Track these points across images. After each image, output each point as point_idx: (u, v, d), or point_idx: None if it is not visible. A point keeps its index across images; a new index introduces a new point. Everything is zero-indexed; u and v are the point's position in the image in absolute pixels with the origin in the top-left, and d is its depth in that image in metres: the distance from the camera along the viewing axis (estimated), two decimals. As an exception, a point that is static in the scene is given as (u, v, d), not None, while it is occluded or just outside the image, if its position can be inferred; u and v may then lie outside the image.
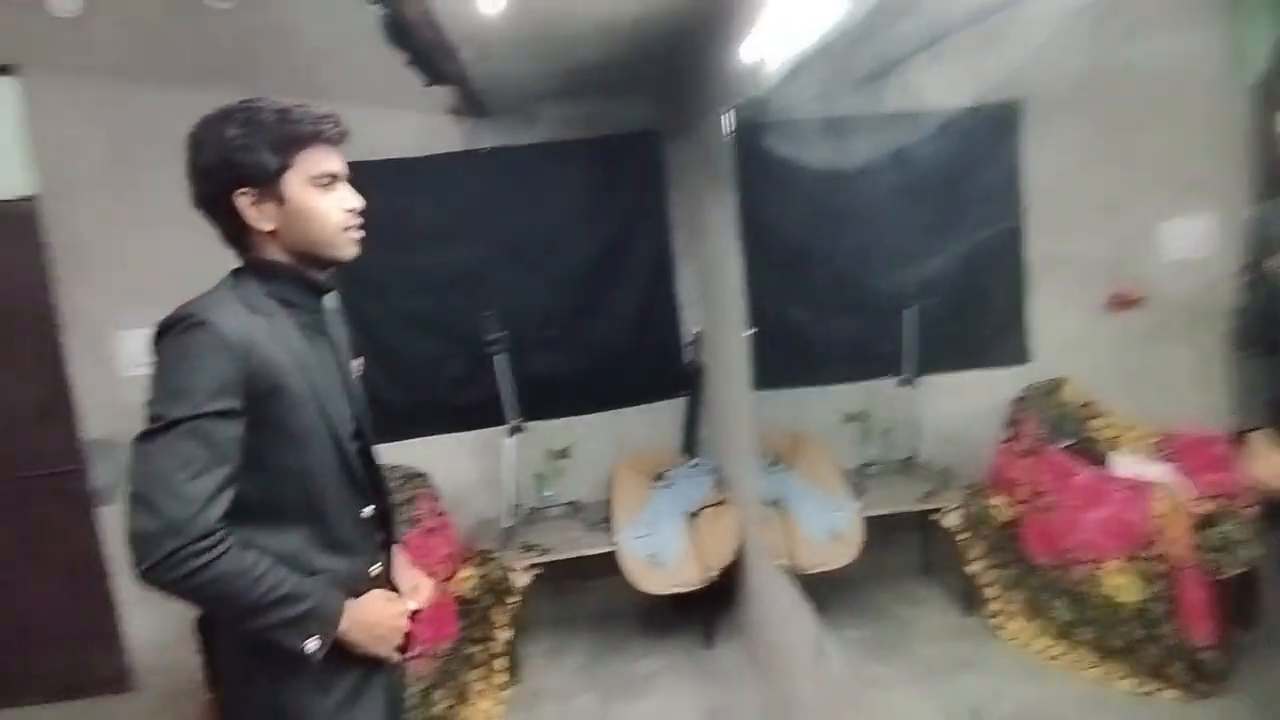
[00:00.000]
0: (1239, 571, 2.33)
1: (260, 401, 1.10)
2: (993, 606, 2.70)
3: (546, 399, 3.13)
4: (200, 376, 1.05)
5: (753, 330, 2.43)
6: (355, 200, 1.23)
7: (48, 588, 3.01)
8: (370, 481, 1.31)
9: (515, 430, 2.97)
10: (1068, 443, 2.79)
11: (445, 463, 3.16)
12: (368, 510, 1.28)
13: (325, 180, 1.20)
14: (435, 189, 3.12)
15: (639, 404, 3.25)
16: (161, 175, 2.71)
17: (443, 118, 3.12)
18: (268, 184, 1.15)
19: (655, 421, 3.29)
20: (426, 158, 3.11)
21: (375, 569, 1.30)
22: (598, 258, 3.19)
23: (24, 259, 2.90)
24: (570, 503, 3.20)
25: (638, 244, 3.23)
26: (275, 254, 1.20)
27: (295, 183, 1.17)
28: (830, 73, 1.88)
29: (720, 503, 2.89)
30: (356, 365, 1.38)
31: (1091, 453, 2.77)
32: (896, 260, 3.05)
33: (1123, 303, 3.13)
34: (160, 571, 1.01)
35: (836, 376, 3.20)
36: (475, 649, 2.67)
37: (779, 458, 2.98)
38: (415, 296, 3.14)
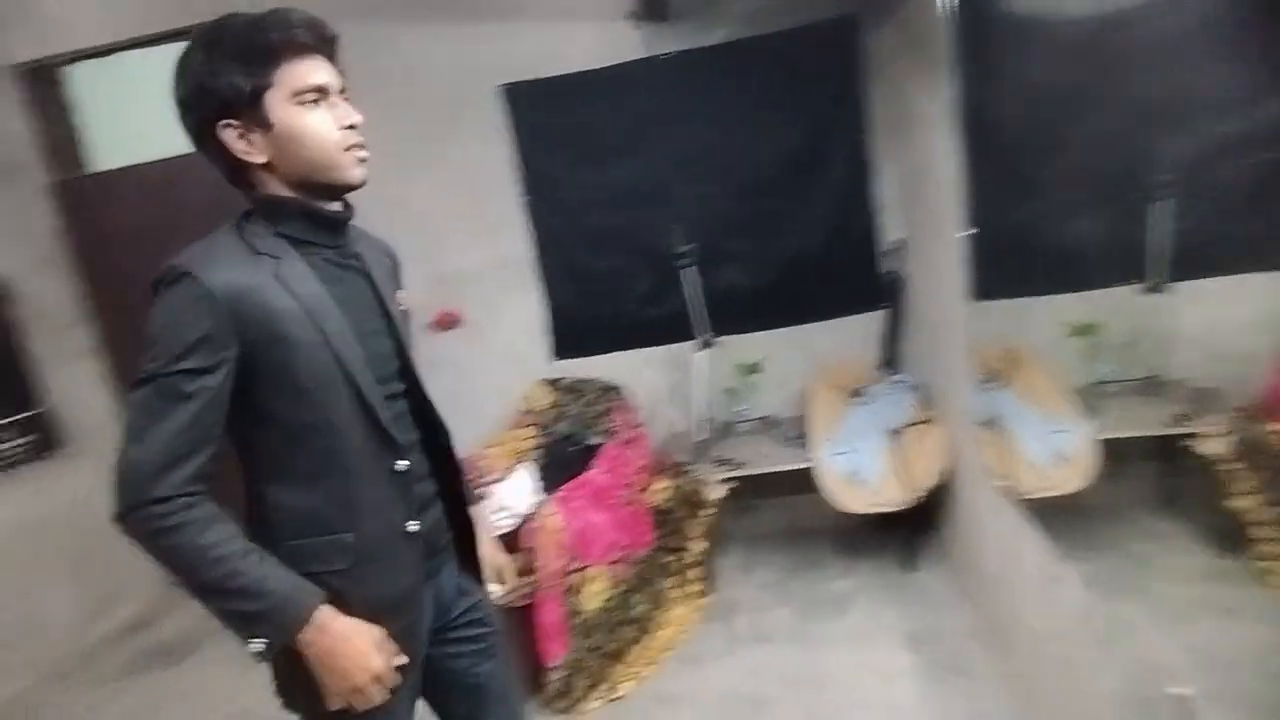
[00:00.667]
0: None
1: (259, 352, 1.03)
2: (1259, 549, 2.32)
3: (736, 313, 3.04)
4: (178, 331, 0.99)
5: (970, 232, 2.17)
6: (353, 115, 1.10)
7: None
8: (421, 425, 1.22)
9: (705, 344, 2.93)
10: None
11: (636, 377, 3.20)
12: (402, 464, 1.16)
13: (312, 96, 1.06)
14: (617, 100, 3.05)
15: (833, 317, 3.08)
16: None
17: (622, 25, 3.01)
18: (248, 109, 1.04)
19: (850, 335, 3.10)
20: (606, 69, 3.04)
21: (413, 525, 1.17)
22: (788, 163, 2.99)
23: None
24: (762, 418, 3.14)
25: (832, 146, 2.98)
26: (278, 188, 1.10)
27: (278, 103, 1.04)
28: None
29: (925, 421, 2.69)
30: (401, 298, 1.26)
31: None
32: (1152, 143, 2.58)
33: None
34: (126, 525, 0.99)
35: (1066, 284, 2.82)
36: (670, 558, 2.73)
37: (994, 375, 2.71)
38: (601, 212, 3.12)
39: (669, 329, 3.06)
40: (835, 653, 2.38)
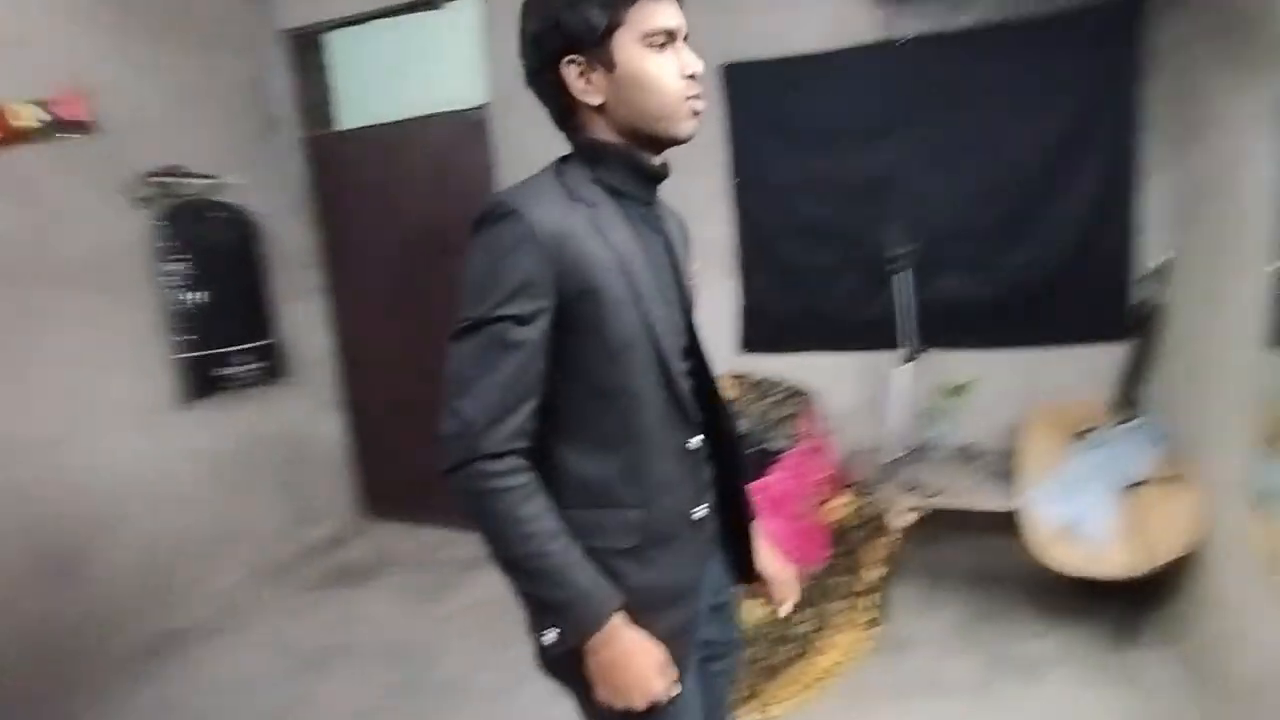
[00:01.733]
0: None
1: (573, 304, 0.98)
2: None
3: (950, 326, 2.76)
4: (505, 274, 0.95)
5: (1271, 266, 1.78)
6: (696, 63, 1.04)
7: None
8: (703, 407, 1.14)
9: (910, 357, 2.68)
10: None
11: (828, 382, 3.01)
12: (695, 441, 1.11)
13: (661, 39, 1.01)
14: (846, 86, 2.84)
15: (1066, 344, 2.72)
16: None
17: (857, 4, 2.79)
18: (596, 46, 1.00)
19: (1082, 367, 2.72)
20: (838, 51, 2.84)
21: (700, 511, 1.12)
22: (1036, 166, 2.65)
23: (476, 159, 3.34)
24: (963, 446, 2.85)
25: (1092, 149, 2.60)
26: (604, 134, 1.05)
27: (626, 43, 1.00)
28: None
29: (1172, 479, 2.30)
30: (694, 271, 1.21)
31: None
32: None
33: None
34: (454, 480, 0.97)
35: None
36: (843, 579, 2.55)
37: (1274, 440, 2.25)
38: (816, 203, 2.94)
39: (872, 335, 2.84)
40: (1021, 722, 2.11)
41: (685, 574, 1.11)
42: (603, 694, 1.00)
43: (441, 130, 3.43)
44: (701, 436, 1.13)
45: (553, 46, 1.02)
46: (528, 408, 0.97)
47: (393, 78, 3.58)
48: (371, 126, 3.59)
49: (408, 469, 3.65)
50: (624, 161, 1.06)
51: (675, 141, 1.06)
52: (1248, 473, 1.93)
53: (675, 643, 1.06)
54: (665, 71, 1.02)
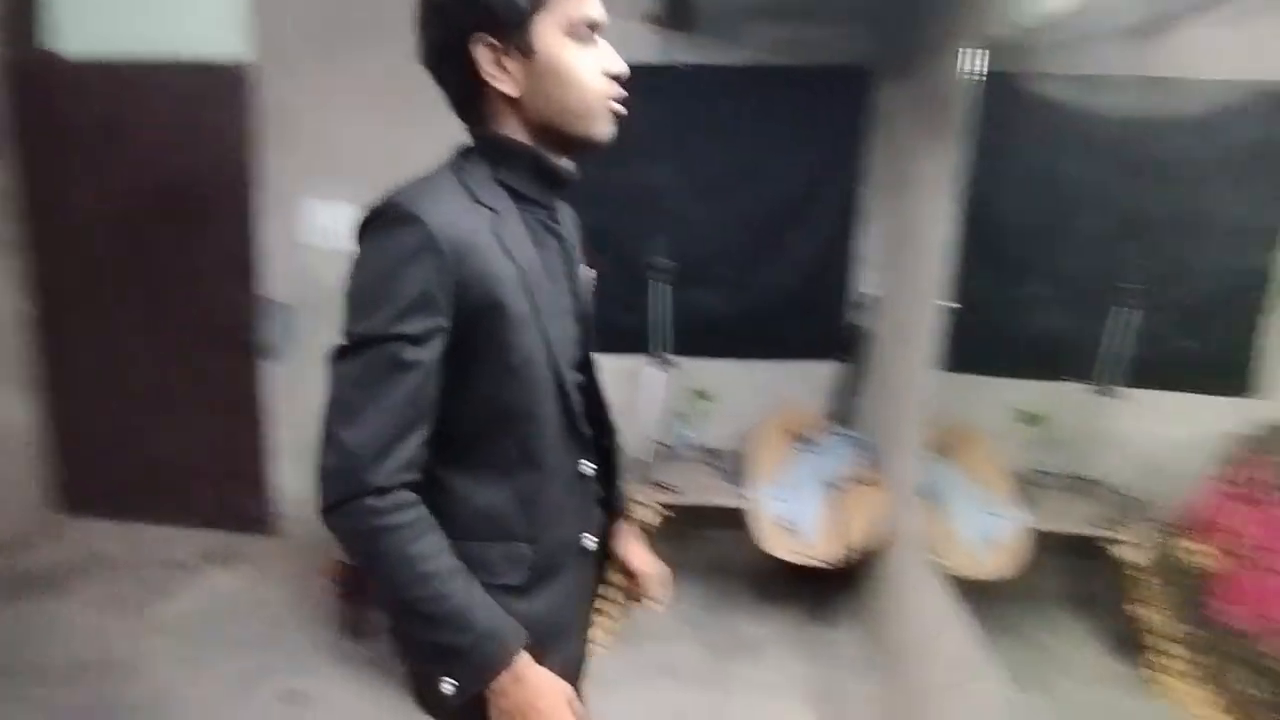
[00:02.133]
0: None
1: (472, 320, 0.88)
2: (1156, 660, 2.39)
3: (700, 336, 3.00)
4: (399, 287, 0.84)
5: (953, 305, 2.17)
6: (620, 63, 0.97)
7: (210, 427, 3.26)
8: (594, 427, 1.07)
9: (663, 363, 2.87)
10: (1303, 497, 2.38)
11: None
12: (587, 464, 1.04)
13: (586, 31, 0.93)
14: (625, 102, 2.98)
15: (792, 359, 3.07)
16: (373, 53, 2.73)
17: (641, 25, 2.95)
18: (515, 29, 0.90)
19: (808, 380, 3.10)
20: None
21: (590, 542, 1.07)
22: (782, 198, 2.97)
23: (230, 121, 3.02)
24: (708, 449, 3.10)
25: (826, 190, 2.97)
26: (513, 129, 0.95)
27: (549, 29, 0.91)
28: (1098, 19, 1.54)
29: (868, 481, 2.69)
30: (588, 277, 1.12)
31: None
32: (1129, 251, 2.65)
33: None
34: (335, 519, 0.86)
35: (1028, 371, 2.87)
36: (590, 573, 2.65)
37: (942, 448, 2.73)
38: (586, 209, 3.03)
39: (630, 339, 2.99)
40: (739, 699, 2.35)
41: (574, 606, 1.06)
42: None
43: (191, 80, 3.05)
44: (594, 465, 1.07)
45: (464, 22, 0.90)
46: (418, 437, 0.87)
47: (132, 5, 3.11)
48: (103, 61, 3.09)
49: (120, 458, 3.20)
50: (532, 163, 0.97)
51: (590, 145, 0.98)
52: (918, 474, 2.33)
53: (570, 676, 1.02)
54: (588, 67, 0.94)
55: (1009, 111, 2.51)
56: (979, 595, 2.46)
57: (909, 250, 2.52)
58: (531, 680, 0.90)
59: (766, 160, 2.95)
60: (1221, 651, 2.29)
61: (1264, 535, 2.23)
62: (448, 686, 0.88)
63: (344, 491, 0.85)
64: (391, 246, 0.86)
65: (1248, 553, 2.26)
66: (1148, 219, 2.62)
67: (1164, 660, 2.40)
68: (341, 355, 0.88)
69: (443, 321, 0.87)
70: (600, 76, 0.95)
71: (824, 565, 2.51)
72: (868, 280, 3.00)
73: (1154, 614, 2.41)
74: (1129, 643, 2.47)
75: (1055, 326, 2.75)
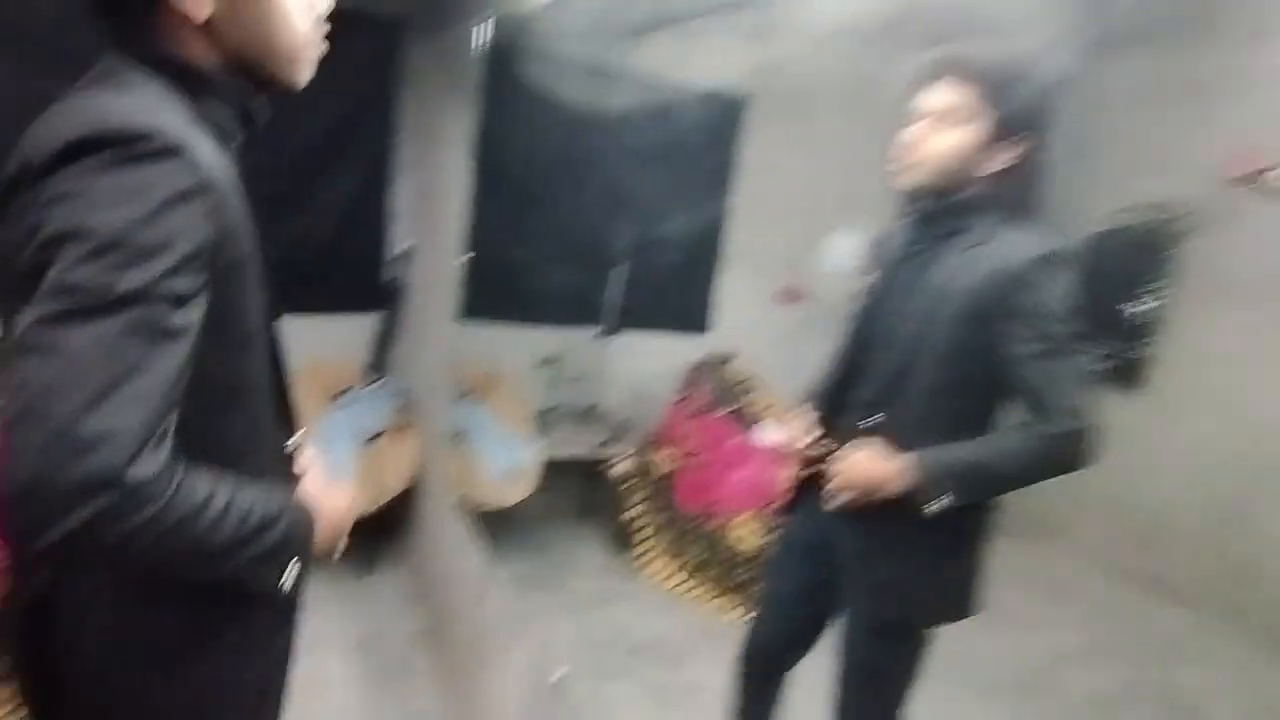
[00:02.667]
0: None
1: (219, 279, 0.73)
2: (640, 548, 3.00)
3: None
4: (162, 236, 0.65)
5: (467, 256, 2.32)
6: (326, 2, 0.88)
7: None
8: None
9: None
10: (728, 409, 3.18)
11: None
12: (290, 442, 0.98)
13: None
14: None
15: (330, 312, 2.93)
16: None
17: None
18: None
19: (347, 334, 3.00)
20: None
21: None
22: (308, 148, 2.77)
23: None
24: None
25: (357, 140, 2.87)
26: (200, 58, 0.79)
27: None
28: (598, 14, 1.83)
29: (401, 428, 2.76)
30: None
31: (744, 421, 3.19)
32: (618, 217, 3.17)
33: (790, 296, 3.65)
34: (82, 532, 0.61)
35: (540, 318, 3.24)
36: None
37: (470, 391, 2.93)
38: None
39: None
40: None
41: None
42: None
43: None
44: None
45: None
46: (172, 421, 0.67)
47: None
48: None
49: None
50: (235, 99, 0.83)
51: (287, 89, 0.87)
52: (448, 418, 2.48)
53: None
54: (300, 3, 0.83)
55: (517, 83, 2.77)
56: (505, 521, 2.76)
57: (435, 204, 2.61)
58: (320, 502, 0.88)
59: (291, 109, 2.71)
60: (681, 533, 2.96)
61: (702, 441, 2.94)
62: (291, 576, 0.80)
63: (106, 500, 0.61)
64: (147, 184, 0.66)
65: (687, 452, 2.96)
66: (631, 192, 3.18)
67: (646, 548, 3.02)
68: (70, 318, 0.62)
69: (205, 280, 0.71)
70: (310, 15, 0.86)
71: (359, 516, 2.51)
72: (405, 232, 3.01)
73: (638, 511, 3.01)
74: (625, 540, 3.05)
75: (567, 280, 3.17)
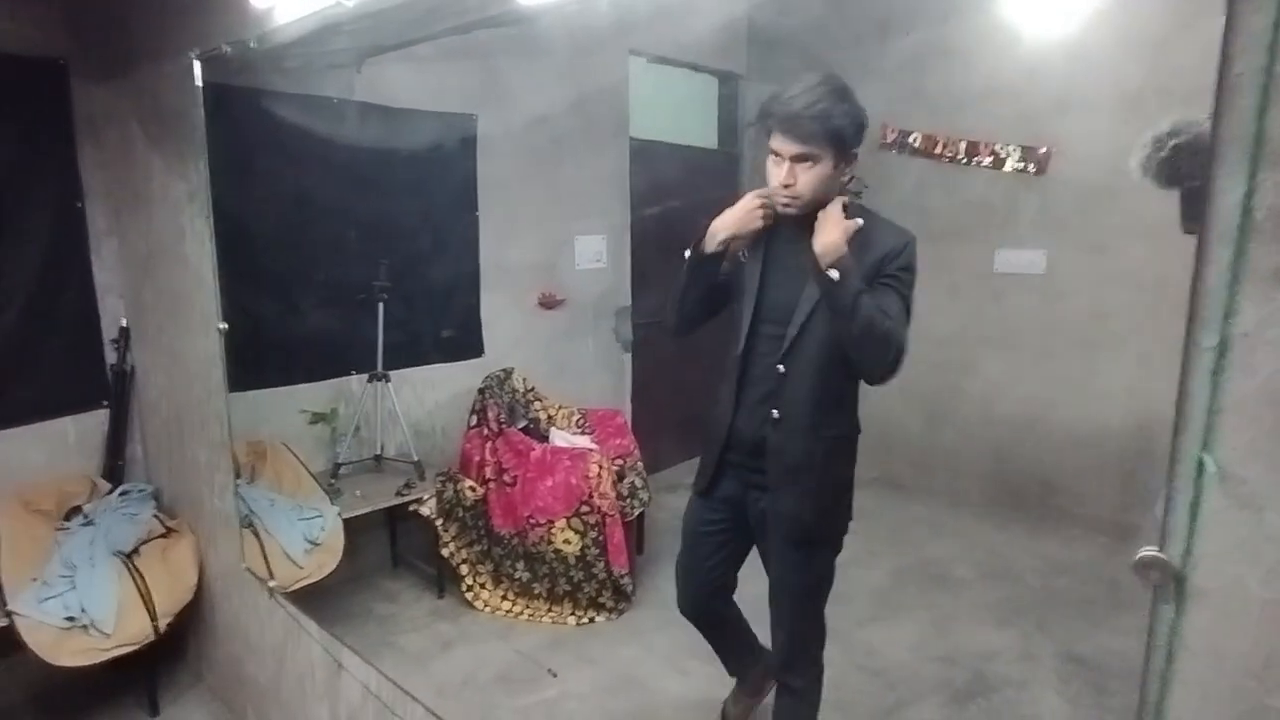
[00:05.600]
0: (639, 512, 3.08)
1: None
2: (465, 583, 2.93)
3: None
4: None
5: (223, 325, 2.08)
6: None
7: None
8: None
9: None
10: (523, 424, 3.21)
11: None
12: None
13: None
14: None
15: (38, 420, 2.43)
16: None
17: None
18: None
19: (58, 442, 2.50)
20: None
21: None
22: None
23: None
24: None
25: (29, 209, 2.38)
26: None
27: None
28: (315, 43, 1.73)
29: (167, 533, 2.39)
30: None
31: (538, 431, 3.24)
32: (369, 254, 3.01)
33: (549, 303, 3.76)
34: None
35: (305, 376, 2.98)
36: None
37: (243, 470, 2.62)
38: None
39: None
40: None
41: None
42: None
43: None
44: None
45: None
46: None
47: None
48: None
49: None
50: None
51: None
52: (233, 501, 2.21)
53: None
54: None
55: (246, 125, 2.50)
56: (317, 597, 2.53)
57: (165, 271, 2.28)
58: None
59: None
60: (502, 557, 2.95)
61: (505, 459, 2.95)
62: None
63: None
64: None
65: (492, 475, 2.96)
66: (385, 227, 3.05)
67: (470, 582, 2.96)
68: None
69: None
70: None
71: (136, 647, 2.14)
72: (119, 309, 2.57)
73: (452, 546, 2.93)
74: (447, 580, 2.96)
75: (328, 328, 2.95)
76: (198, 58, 1.81)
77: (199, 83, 1.85)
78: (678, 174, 4.01)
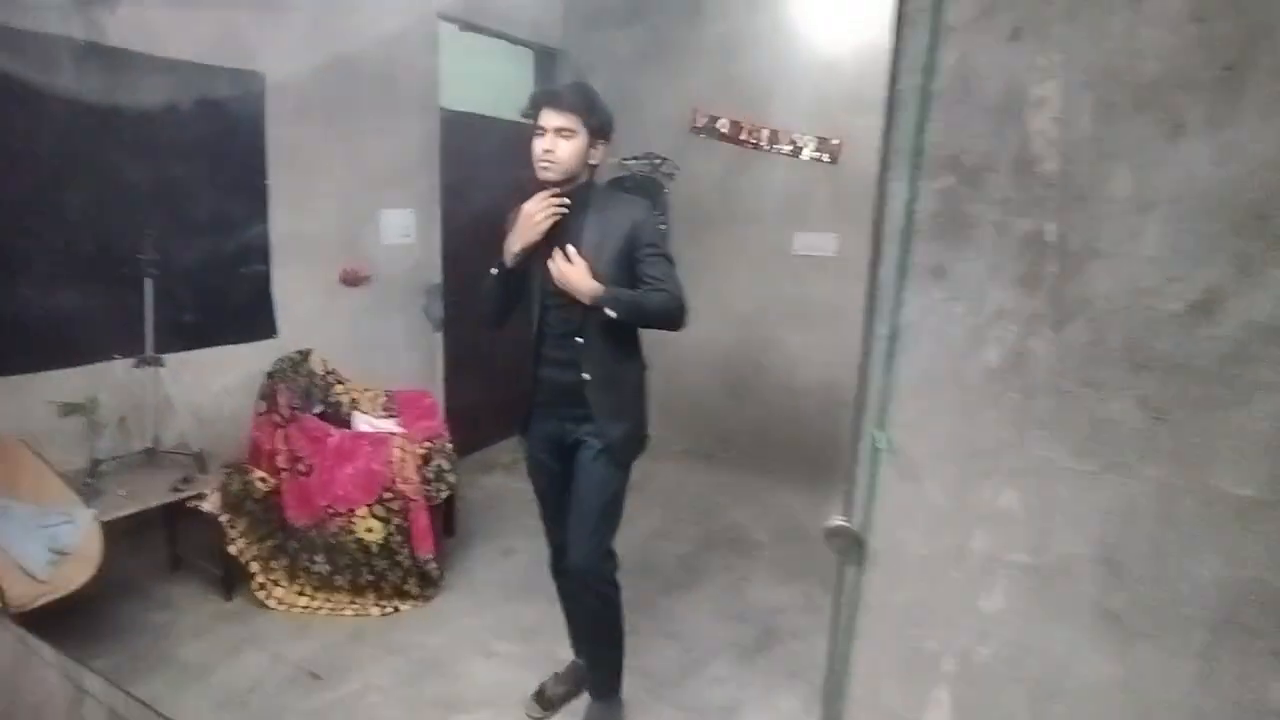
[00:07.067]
0: (446, 495, 3.01)
1: None
2: (257, 581, 2.72)
3: None
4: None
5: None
6: None
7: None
8: None
9: None
10: (319, 409, 3.02)
11: None
12: None
13: None
14: None
15: None
16: None
17: None
18: None
19: None
20: None
21: None
22: None
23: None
24: None
25: None
26: None
27: None
28: None
29: None
30: None
31: (339, 415, 3.07)
32: (131, 223, 2.67)
33: (352, 279, 3.54)
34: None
35: (53, 361, 2.61)
36: None
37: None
38: None
39: None
40: None
41: None
42: None
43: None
44: None
45: None
46: None
47: None
48: None
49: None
50: None
51: None
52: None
53: None
54: None
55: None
56: (68, 613, 2.24)
57: None
58: None
59: None
60: (298, 550, 2.78)
61: (300, 447, 2.77)
62: None
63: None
64: None
65: (285, 465, 2.77)
66: (152, 194, 2.71)
67: (262, 579, 2.76)
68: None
69: None
70: None
71: None
72: None
73: (242, 543, 2.71)
74: (235, 579, 2.73)
75: (80, 305, 2.59)
76: None
77: None
78: (492, 148, 3.91)
